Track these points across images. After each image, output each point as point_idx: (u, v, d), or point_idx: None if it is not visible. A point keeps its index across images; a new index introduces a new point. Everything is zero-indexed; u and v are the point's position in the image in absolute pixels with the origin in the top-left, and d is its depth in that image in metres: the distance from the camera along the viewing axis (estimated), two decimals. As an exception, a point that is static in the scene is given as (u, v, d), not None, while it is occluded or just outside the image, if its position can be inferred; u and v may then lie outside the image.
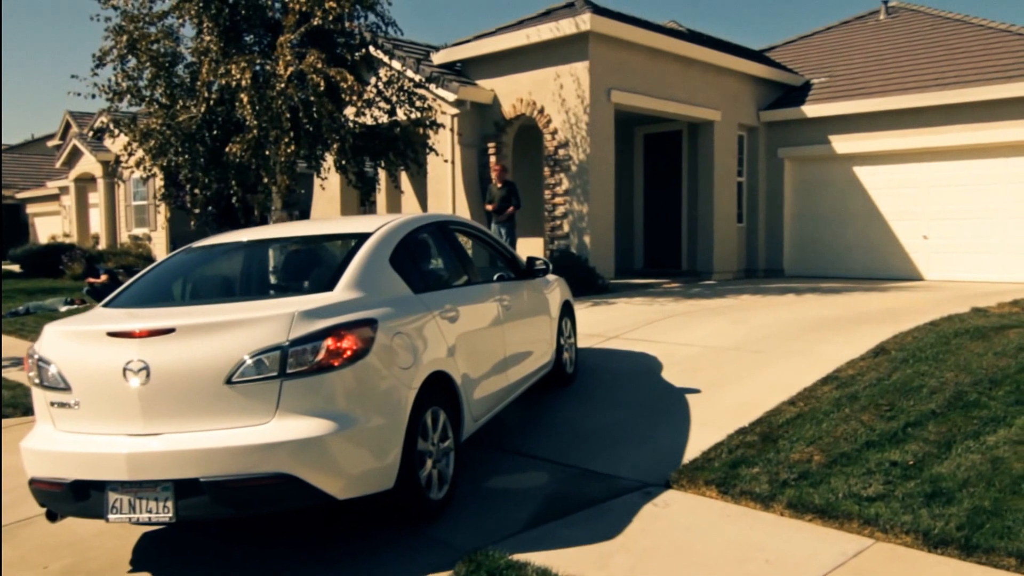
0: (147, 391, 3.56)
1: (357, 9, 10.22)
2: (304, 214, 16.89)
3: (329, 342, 3.63)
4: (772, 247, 15.93)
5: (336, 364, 3.64)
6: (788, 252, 15.84)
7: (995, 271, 13.40)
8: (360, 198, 13.83)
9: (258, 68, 9.75)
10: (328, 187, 11.97)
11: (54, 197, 29.47)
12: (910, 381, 5.94)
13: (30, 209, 33.31)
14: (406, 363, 4.02)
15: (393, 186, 12.06)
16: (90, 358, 3.69)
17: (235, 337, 3.57)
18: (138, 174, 10.69)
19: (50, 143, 34.41)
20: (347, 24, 9.96)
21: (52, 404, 3.78)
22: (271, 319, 3.63)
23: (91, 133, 23.51)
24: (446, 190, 13.58)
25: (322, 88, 9.25)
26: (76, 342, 3.79)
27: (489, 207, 12.45)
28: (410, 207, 14.91)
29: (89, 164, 23.31)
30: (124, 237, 23.21)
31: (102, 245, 23.62)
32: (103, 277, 15.39)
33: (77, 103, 47.87)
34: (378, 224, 4.69)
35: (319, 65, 9.21)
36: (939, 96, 13.50)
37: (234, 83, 9.23)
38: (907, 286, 12.84)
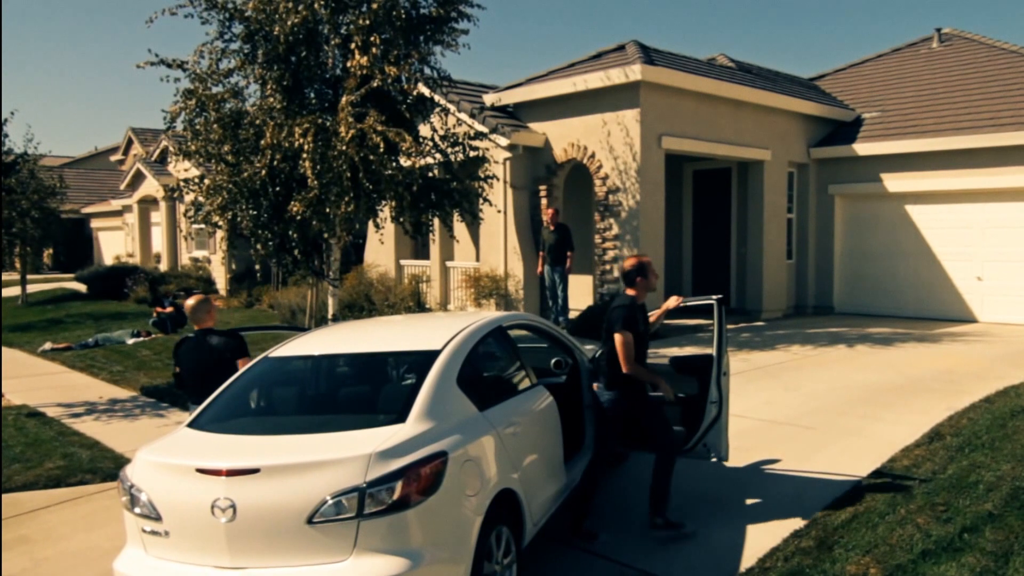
0: (233, 528, 3.81)
1: (415, 64, 10.50)
2: (359, 247, 17.35)
3: (403, 481, 3.84)
4: (822, 284, 15.84)
5: (409, 501, 3.85)
6: (838, 289, 15.75)
7: (1052, 316, 13.21)
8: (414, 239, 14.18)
9: (319, 124, 10.08)
10: (383, 230, 12.33)
11: (117, 213, 30.47)
12: (966, 476, 5.97)
13: (94, 224, 34.50)
14: (474, 490, 4.23)
15: (448, 235, 12.40)
16: (180, 492, 3.96)
17: (316, 478, 3.81)
18: (193, 208, 11.02)
19: (113, 157, 35.60)
20: (405, 86, 10.24)
21: (144, 531, 4.06)
22: (349, 461, 3.85)
23: (154, 156, 24.31)
24: (498, 232, 13.81)
25: (381, 149, 9.53)
26: (167, 474, 4.07)
27: (541, 255, 12.66)
28: (463, 250, 15.19)
29: (151, 188, 24.08)
30: (185, 259, 23.92)
31: (163, 266, 24.39)
32: (169, 308, 15.97)
33: (140, 119, 49.13)
34: (446, 337, 4.87)
35: (379, 127, 9.50)
36: (995, 138, 13.33)
37: (296, 145, 9.56)
38: (961, 332, 12.70)
